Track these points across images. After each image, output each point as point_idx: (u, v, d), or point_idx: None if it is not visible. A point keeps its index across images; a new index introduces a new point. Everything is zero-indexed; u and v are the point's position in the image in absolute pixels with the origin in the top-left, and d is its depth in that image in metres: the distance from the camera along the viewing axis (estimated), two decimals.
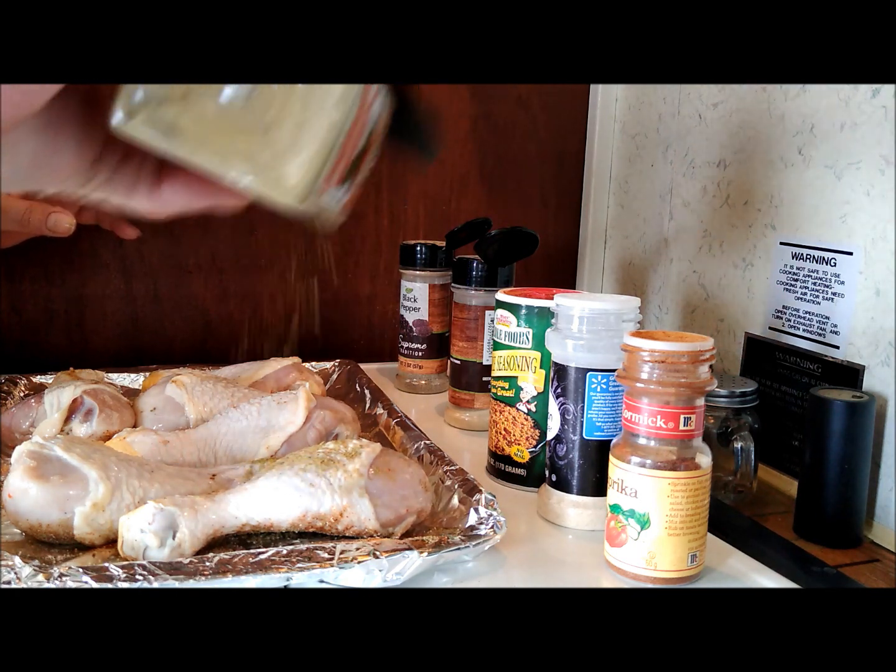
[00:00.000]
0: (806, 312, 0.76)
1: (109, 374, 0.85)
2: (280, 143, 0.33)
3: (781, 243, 0.79)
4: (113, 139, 0.33)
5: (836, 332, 0.72)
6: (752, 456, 0.69)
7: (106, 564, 0.45)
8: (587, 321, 0.58)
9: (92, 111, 0.33)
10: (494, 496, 0.55)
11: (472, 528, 0.53)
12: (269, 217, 1.00)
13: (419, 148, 0.49)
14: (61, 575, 0.44)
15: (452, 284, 0.84)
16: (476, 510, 0.54)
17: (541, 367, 0.65)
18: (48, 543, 0.52)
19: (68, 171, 0.33)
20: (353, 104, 0.35)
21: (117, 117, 0.32)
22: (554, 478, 0.61)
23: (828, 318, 0.73)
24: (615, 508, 0.52)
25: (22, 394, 0.79)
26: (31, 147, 0.31)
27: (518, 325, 0.66)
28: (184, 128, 0.32)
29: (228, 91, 0.32)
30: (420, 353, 0.92)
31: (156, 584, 0.44)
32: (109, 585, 0.43)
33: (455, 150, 1.07)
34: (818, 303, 0.74)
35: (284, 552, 0.48)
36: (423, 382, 0.93)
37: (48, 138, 0.31)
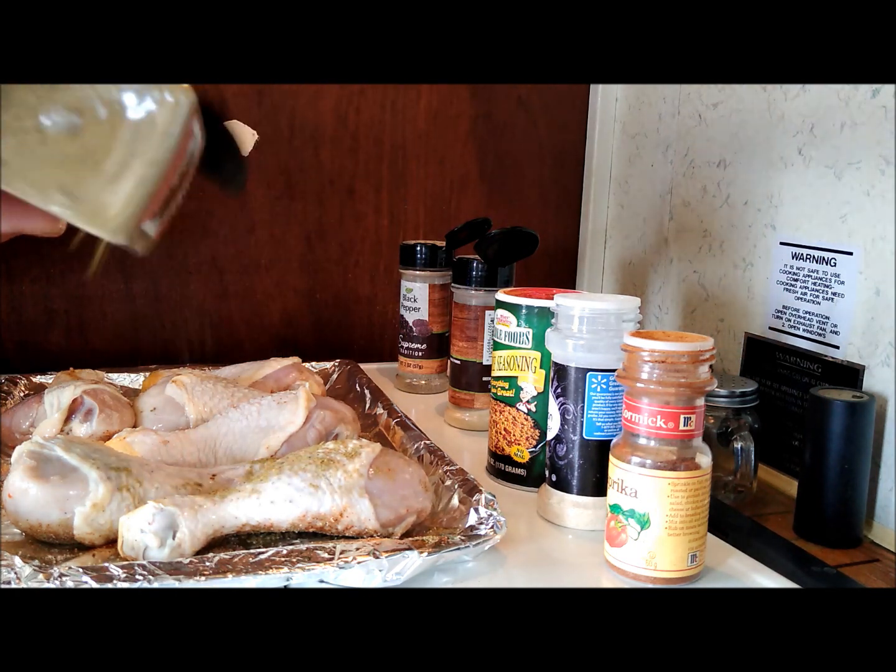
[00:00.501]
0: (806, 312, 0.76)
1: (109, 374, 0.84)
2: (103, 176, 0.33)
3: (781, 243, 0.79)
4: None
5: (836, 332, 0.72)
6: (752, 456, 0.69)
7: (106, 564, 0.45)
8: (587, 321, 0.58)
9: None
10: (494, 496, 0.55)
11: (472, 528, 0.53)
12: (269, 217, 1.00)
13: (227, 181, 0.49)
14: (61, 575, 0.44)
15: (452, 284, 0.84)
16: (476, 510, 0.54)
17: (541, 367, 0.65)
18: (48, 543, 0.52)
19: None
20: (174, 142, 0.34)
21: None
22: (554, 478, 0.61)
23: (828, 318, 0.73)
24: (615, 508, 0.52)
25: (22, 394, 0.79)
26: None
27: (518, 325, 0.66)
28: (5, 158, 0.31)
29: (54, 121, 0.31)
30: (420, 353, 0.92)
31: (156, 584, 0.44)
32: (109, 585, 0.43)
33: (455, 150, 1.07)
34: (818, 303, 0.74)
35: (284, 552, 0.48)
36: (423, 382, 0.93)
37: None
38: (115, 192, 0.33)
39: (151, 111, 0.33)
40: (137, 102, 0.32)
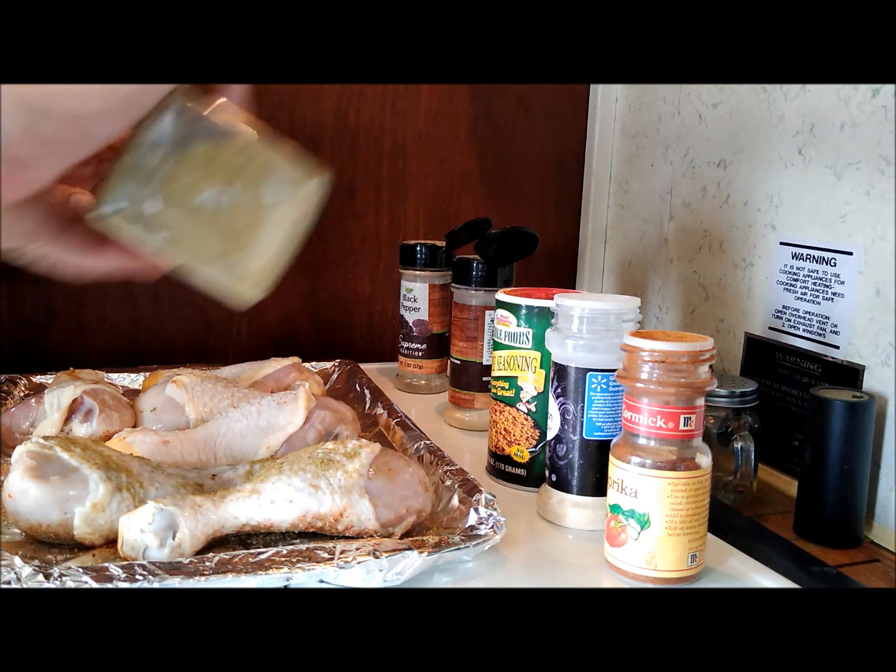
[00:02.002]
0: (806, 312, 0.76)
1: (109, 374, 0.84)
2: (248, 245, 0.36)
3: (781, 243, 0.79)
4: (52, 214, 0.36)
5: (836, 332, 0.72)
6: (752, 456, 0.69)
7: (106, 564, 0.45)
8: (587, 321, 0.58)
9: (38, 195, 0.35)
10: (494, 496, 0.55)
11: (472, 528, 0.53)
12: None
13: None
14: (61, 575, 0.44)
15: (452, 284, 0.84)
16: (476, 510, 0.54)
17: (541, 367, 0.65)
18: (48, 543, 0.52)
19: (20, 238, 0.36)
20: (309, 219, 0.38)
21: (97, 212, 0.35)
22: (554, 478, 0.61)
23: (828, 318, 0.73)
24: (615, 508, 0.52)
25: (22, 394, 0.79)
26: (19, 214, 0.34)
27: (518, 325, 0.66)
28: (159, 227, 0.35)
29: (205, 194, 0.35)
30: (420, 353, 0.92)
31: (156, 584, 0.44)
32: (109, 585, 0.43)
33: (455, 150, 1.07)
34: (818, 303, 0.74)
35: (284, 552, 0.48)
36: (423, 382, 0.93)
37: (14, 214, 0.34)
38: (256, 264, 0.37)
39: (294, 197, 0.38)
40: (282, 191, 0.37)
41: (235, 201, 0.36)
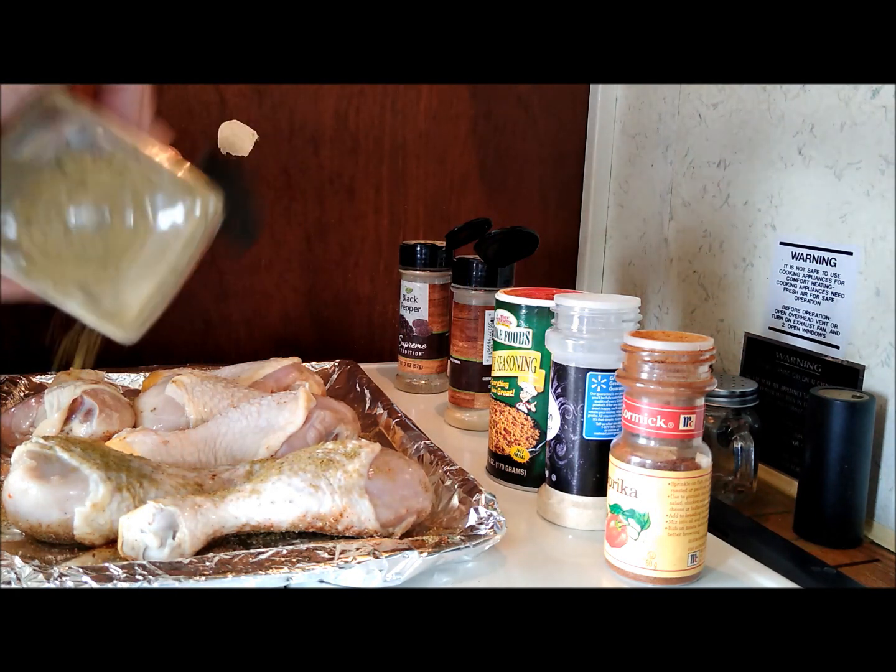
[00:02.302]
0: (806, 312, 0.76)
1: (109, 374, 0.84)
2: (123, 278, 0.33)
3: (781, 243, 0.79)
4: None
5: (836, 332, 0.72)
6: (752, 456, 0.69)
7: (106, 564, 0.45)
8: (587, 321, 0.58)
9: None
10: (494, 496, 0.55)
11: (472, 528, 0.53)
12: (269, 217, 1.00)
13: (238, 237, 0.48)
14: (61, 575, 0.44)
15: (452, 284, 0.84)
16: (476, 510, 0.54)
17: (541, 367, 0.65)
18: (48, 543, 0.52)
19: None
20: (196, 249, 0.34)
21: None
22: (554, 478, 0.61)
23: (828, 318, 0.73)
24: (615, 508, 0.52)
25: (22, 394, 0.79)
26: None
27: (518, 325, 0.66)
28: (32, 255, 0.31)
29: (81, 219, 0.31)
30: (420, 353, 0.92)
31: (156, 584, 0.44)
32: (109, 585, 0.43)
33: (455, 150, 1.07)
34: (818, 303, 0.74)
35: (284, 552, 0.48)
36: (423, 382, 0.93)
37: None
38: (134, 295, 0.33)
39: (178, 224, 0.32)
40: (165, 210, 0.32)
41: (109, 224, 0.32)
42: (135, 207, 0.32)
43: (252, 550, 0.48)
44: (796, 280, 0.77)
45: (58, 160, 0.30)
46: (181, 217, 0.32)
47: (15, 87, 0.28)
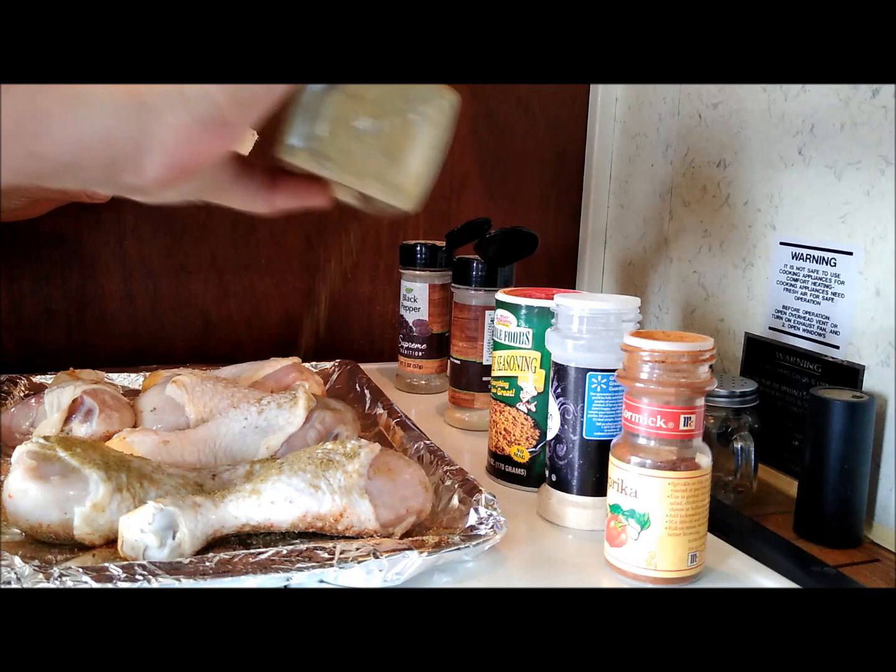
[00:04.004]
0: (806, 312, 0.76)
1: (109, 374, 0.85)
2: (402, 163, 0.44)
3: (781, 243, 0.79)
4: (243, 166, 0.44)
5: (836, 332, 0.72)
6: (752, 456, 0.69)
7: (106, 564, 0.45)
8: (587, 321, 0.58)
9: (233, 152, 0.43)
10: (494, 496, 0.55)
11: (472, 528, 0.53)
12: (269, 217, 1.00)
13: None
14: (61, 575, 0.44)
15: (452, 284, 0.84)
16: (476, 510, 0.54)
17: (541, 367, 0.65)
18: (48, 543, 0.52)
19: (223, 188, 0.44)
20: (447, 133, 0.45)
21: (281, 149, 0.42)
22: (554, 478, 0.61)
23: (828, 318, 0.73)
24: (615, 508, 0.52)
25: (22, 394, 0.79)
26: (210, 176, 0.42)
27: (518, 325, 0.66)
28: (331, 155, 0.42)
29: (364, 125, 0.43)
30: (420, 353, 0.92)
31: (156, 584, 0.44)
32: (109, 585, 0.43)
33: (455, 150, 1.07)
34: (818, 303, 0.74)
35: (284, 552, 0.48)
36: (423, 382, 0.93)
37: (219, 170, 0.42)
38: (411, 175, 0.44)
39: (433, 116, 0.44)
40: (423, 107, 0.43)
41: (386, 125, 0.43)
42: (403, 108, 0.43)
43: (252, 550, 0.48)
44: (796, 280, 0.77)
45: (330, 92, 0.42)
46: (434, 111, 0.44)
47: (270, 88, 0.39)
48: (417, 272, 0.91)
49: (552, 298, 0.62)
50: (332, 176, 0.43)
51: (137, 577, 0.44)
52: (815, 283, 0.74)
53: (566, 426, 0.59)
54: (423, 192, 0.45)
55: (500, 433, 0.68)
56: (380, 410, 0.77)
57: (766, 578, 0.53)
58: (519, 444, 0.67)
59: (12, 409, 0.68)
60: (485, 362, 0.81)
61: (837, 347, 0.72)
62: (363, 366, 0.92)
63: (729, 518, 0.64)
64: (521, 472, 0.67)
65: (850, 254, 0.71)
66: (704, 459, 0.51)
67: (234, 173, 0.44)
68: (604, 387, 0.58)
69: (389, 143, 0.43)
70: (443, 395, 0.90)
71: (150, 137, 0.37)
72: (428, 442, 0.66)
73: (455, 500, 0.57)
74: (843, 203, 0.72)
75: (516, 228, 0.79)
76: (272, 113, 0.41)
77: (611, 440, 0.54)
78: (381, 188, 0.44)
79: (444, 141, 0.45)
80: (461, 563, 0.52)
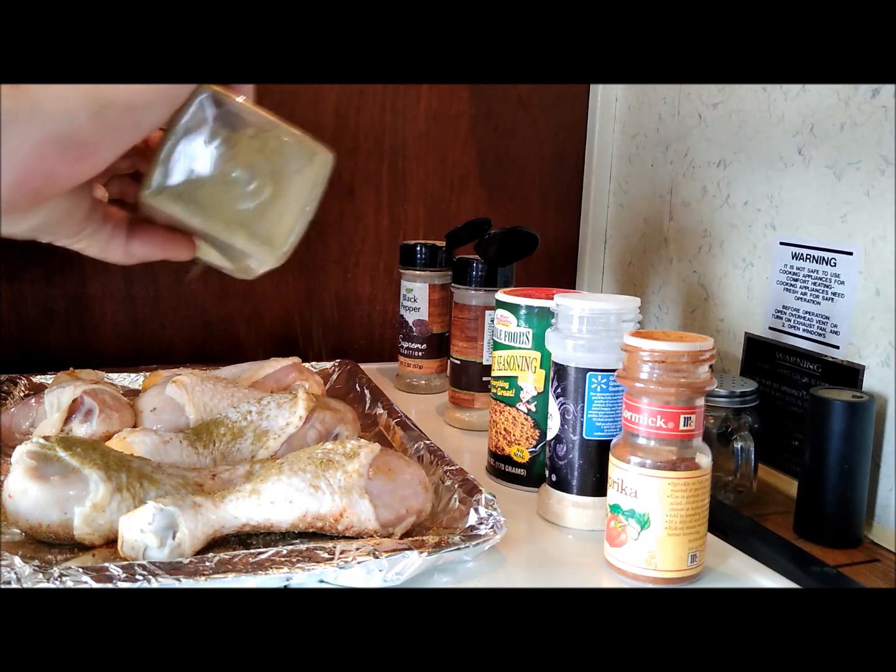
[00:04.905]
0: (806, 312, 0.76)
1: (109, 374, 0.85)
2: (272, 218, 0.43)
3: (781, 243, 0.79)
4: (97, 207, 0.42)
5: (836, 332, 0.72)
6: (752, 456, 0.69)
7: (106, 564, 0.45)
8: (587, 321, 0.58)
9: (88, 188, 0.41)
10: (494, 496, 0.55)
11: (472, 528, 0.53)
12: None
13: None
14: (61, 575, 0.44)
15: (452, 284, 0.84)
16: (476, 510, 0.54)
17: (541, 367, 0.65)
18: (48, 543, 0.52)
19: (73, 227, 0.41)
20: (322, 186, 0.44)
21: (148, 192, 0.41)
22: (554, 478, 0.61)
23: (828, 318, 0.73)
24: (615, 508, 0.52)
25: (22, 394, 0.79)
26: (60, 208, 0.39)
27: (518, 325, 0.66)
28: (200, 202, 0.42)
29: (234, 172, 0.42)
30: (420, 353, 0.92)
31: (156, 584, 0.44)
32: (109, 585, 0.43)
33: (455, 150, 1.07)
34: (818, 303, 0.74)
35: (284, 552, 0.48)
36: (423, 382, 0.93)
37: (70, 204, 0.40)
38: (280, 228, 0.44)
39: (306, 169, 0.44)
40: (297, 161, 0.43)
41: (258, 176, 0.42)
42: (277, 161, 0.43)
43: (252, 550, 0.48)
44: (796, 280, 0.77)
45: (213, 135, 0.41)
46: (309, 168, 0.43)
47: (153, 101, 0.37)
48: (417, 272, 0.91)
49: (552, 298, 0.62)
50: (198, 222, 0.43)
51: (137, 577, 0.44)
52: (815, 283, 0.74)
53: (566, 426, 0.59)
54: (291, 247, 0.44)
55: (500, 433, 0.68)
56: (380, 410, 0.77)
57: (766, 578, 0.53)
58: (519, 444, 0.67)
59: (12, 409, 0.68)
60: (485, 362, 0.81)
61: (837, 347, 0.72)
62: (363, 366, 0.92)
63: (729, 518, 0.64)
64: (521, 472, 0.67)
65: (850, 254, 0.71)
66: (704, 459, 0.51)
67: (88, 212, 0.41)
68: (604, 387, 0.58)
69: (260, 195, 0.43)
70: (443, 395, 0.90)
71: None
72: (428, 442, 0.66)
73: (455, 500, 0.57)
74: (843, 203, 0.72)
75: (516, 228, 0.79)
76: (135, 149, 0.40)
77: (611, 440, 0.54)
78: (247, 239, 0.43)
79: (316, 197, 0.44)
80: (461, 563, 0.52)
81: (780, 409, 0.76)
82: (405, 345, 0.92)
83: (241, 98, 0.43)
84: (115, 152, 0.37)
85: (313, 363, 0.92)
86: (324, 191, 0.44)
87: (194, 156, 0.41)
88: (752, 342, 0.81)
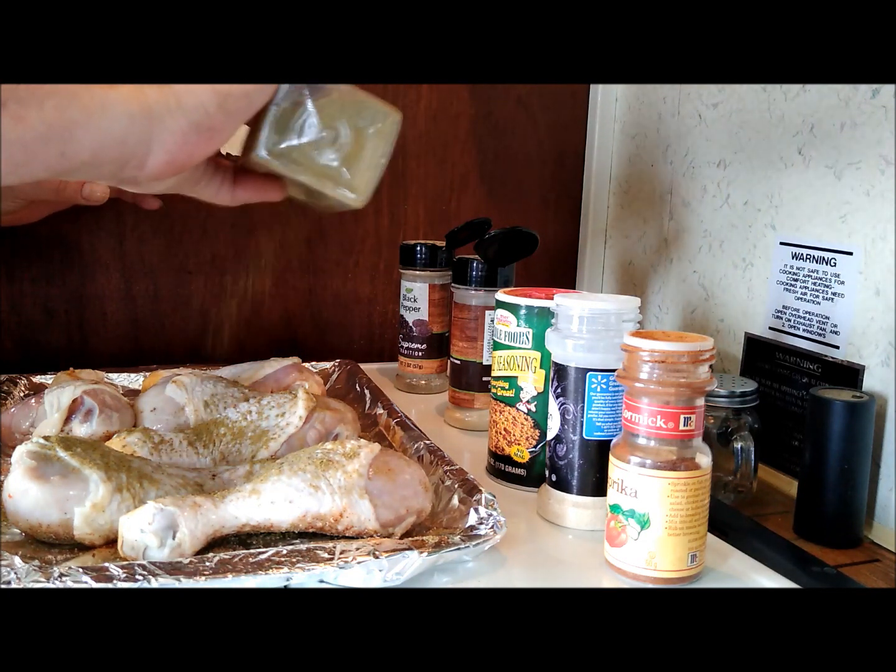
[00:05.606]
0: (806, 312, 0.76)
1: (109, 374, 0.84)
2: (357, 167, 0.52)
3: (781, 243, 0.79)
4: (211, 162, 0.51)
5: (836, 332, 0.72)
6: (752, 456, 0.69)
7: (106, 564, 0.45)
8: (587, 321, 0.58)
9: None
10: (494, 496, 0.55)
11: (472, 528, 0.53)
12: (269, 217, 1.00)
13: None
14: (61, 575, 0.44)
15: (452, 284, 0.84)
16: (476, 510, 0.54)
17: (541, 367, 0.65)
18: (48, 543, 0.52)
19: (196, 181, 0.51)
20: (392, 140, 0.53)
21: (256, 153, 0.50)
22: (554, 478, 0.61)
23: (828, 318, 0.73)
24: (615, 508, 0.52)
25: (22, 394, 0.79)
26: (184, 174, 0.49)
27: (518, 325, 0.66)
28: (297, 160, 0.51)
29: (323, 136, 0.51)
30: (420, 353, 0.92)
31: (156, 584, 0.44)
32: (109, 585, 0.43)
33: (455, 150, 1.07)
34: (818, 303, 0.74)
35: (284, 552, 0.48)
36: (423, 382, 0.93)
37: (193, 169, 0.49)
38: (362, 174, 0.52)
39: (380, 128, 0.52)
40: (372, 120, 0.52)
41: (341, 135, 0.51)
42: (357, 122, 0.51)
43: (252, 550, 0.48)
44: (796, 280, 0.77)
45: (298, 106, 0.50)
46: (383, 126, 0.52)
47: (262, 87, 0.47)
48: (417, 272, 0.91)
49: (552, 298, 0.62)
50: (295, 175, 0.51)
51: (137, 577, 0.44)
52: (815, 283, 0.74)
53: (566, 426, 0.59)
54: (371, 193, 0.53)
55: (500, 433, 0.68)
56: (380, 410, 0.77)
57: (766, 578, 0.53)
58: (519, 444, 0.67)
59: (12, 409, 0.68)
60: (485, 362, 0.81)
61: (837, 347, 0.72)
62: (363, 366, 0.92)
63: (729, 518, 0.64)
64: (521, 472, 0.67)
65: (850, 254, 0.71)
66: (704, 459, 0.51)
67: (206, 170, 0.51)
68: (604, 387, 0.58)
69: (343, 151, 0.51)
70: (443, 395, 0.90)
71: (154, 139, 0.43)
72: (428, 442, 0.66)
73: (455, 500, 0.57)
74: (843, 203, 0.72)
75: (516, 228, 0.79)
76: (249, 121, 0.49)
77: (611, 440, 0.54)
78: (334, 187, 0.52)
79: (389, 150, 0.53)
80: (461, 563, 0.52)
81: (780, 409, 0.76)
82: (405, 345, 0.92)
83: None
84: (234, 130, 0.47)
85: (313, 363, 0.92)
86: (394, 145, 0.53)
87: (290, 122, 0.50)
88: (752, 342, 0.81)
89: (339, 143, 0.51)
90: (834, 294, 0.72)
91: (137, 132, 0.42)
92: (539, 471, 0.65)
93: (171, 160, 0.45)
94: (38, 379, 0.82)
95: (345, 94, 0.51)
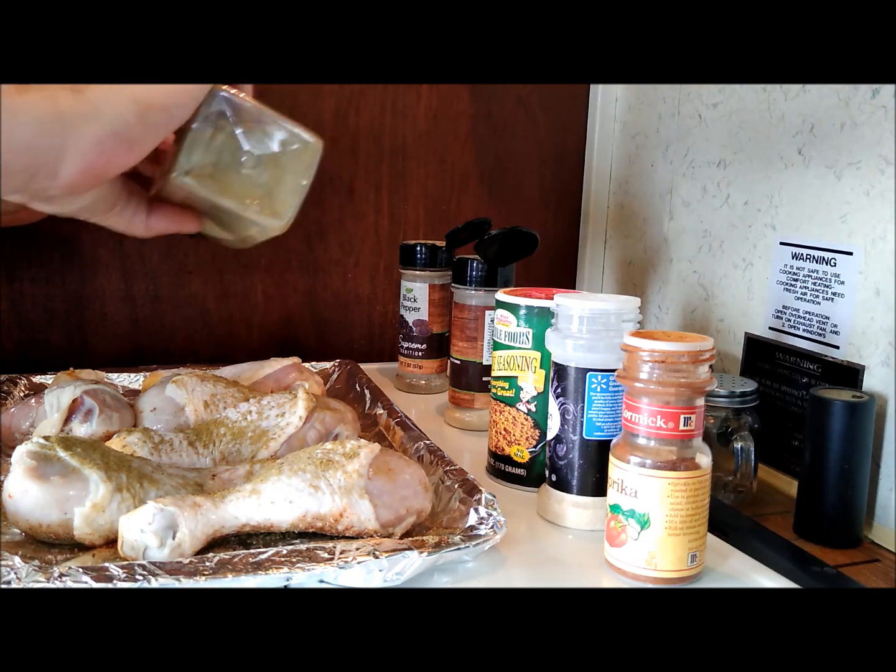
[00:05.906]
0: (806, 312, 0.76)
1: (109, 374, 0.84)
2: (276, 193, 0.53)
3: (781, 243, 0.79)
4: (125, 188, 0.50)
5: (836, 332, 0.72)
6: (752, 456, 0.69)
7: (106, 564, 0.45)
8: (587, 321, 0.58)
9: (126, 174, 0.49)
10: (494, 496, 0.55)
11: (472, 528, 0.53)
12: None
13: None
14: (61, 575, 0.44)
15: (452, 284, 0.84)
16: (476, 510, 0.54)
17: (541, 367, 0.65)
18: (48, 543, 0.52)
19: (108, 205, 0.49)
20: (315, 165, 0.54)
21: (177, 174, 0.49)
22: (554, 478, 0.61)
23: (828, 318, 0.73)
24: (615, 508, 0.52)
25: (22, 394, 0.79)
26: (104, 189, 0.48)
27: (518, 325, 0.66)
28: (219, 182, 0.50)
29: (244, 159, 0.50)
30: (420, 353, 0.92)
31: (156, 584, 0.44)
32: (109, 585, 0.43)
33: (455, 150, 1.07)
34: (818, 303, 0.74)
35: (284, 552, 0.48)
36: (423, 382, 0.93)
37: (110, 186, 0.48)
38: (286, 203, 0.53)
39: (301, 150, 0.52)
40: (293, 147, 0.52)
41: (264, 159, 0.51)
42: (279, 146, 0.51)
43: (252, 550, 0.48)
44: (796, 280, 0.77)
45: (220, 128, 0.49)
46: (303, 148, 0.52)
47: (183, 103, 0.46)
48: (417, 272, 0.91)
49: (552, 298, 0.62)
50: (217, 198, 0.51)
51: (137, 577, 0.44)
52: (815, 283, 0.74)
53: (566, 426, 0.59)
54: (292, 218, 0.54)
55: (500, 433, 0.68)
56: (380, 410, 0.77)
57: (766, 578, 0.53)
58: (519, 444, 0.67)
59: (12, 409, 0.68)
60: (485, 362, 0.81)
61: (837, 347, 0.72)
62: (363, 366, 0.92)
63: (729, 518, 0.64)
64: (521, 472, 0.67)
65: (850, 254, 0.71)
66: (704, 459, 0.51)
67: (120, 192, 0.50)
68: (604, 387, 0.58)
69: (265, 175, 0.51)
70: (443, 395, 0.90)
71: (67, 146, 0.42)
72: (428, 442, 0.66)
73: (455, 500, 0.57)
74: (843, 203, 0.72)
75: (516, 228, 0.79)
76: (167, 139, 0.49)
77: (611, 440, 0.54)
78: (258, 211, 0.52)
79: (310, 176, 0.54)
80: (461, 563, 0.52)
81: (780, 409, 0.76)
82: (405, 345, 0.92)
83: (244, 95, 0.50)
84: (153, 144, 0.46)
85: (313, 363, 0.92)
86: (315, 172, 0.54)
87: (212, 143, 0.49)
88: (752, 342, 0.81)
89: (260, 166, 0.51)
90: (834, 294, 0.72)
91: (48, 138, 0.41)
92: (539, 471, 0.65)
93: (87, 168, 0.43)
94: (38, 379, 0.82)
95: (267, 118, 0.51)
